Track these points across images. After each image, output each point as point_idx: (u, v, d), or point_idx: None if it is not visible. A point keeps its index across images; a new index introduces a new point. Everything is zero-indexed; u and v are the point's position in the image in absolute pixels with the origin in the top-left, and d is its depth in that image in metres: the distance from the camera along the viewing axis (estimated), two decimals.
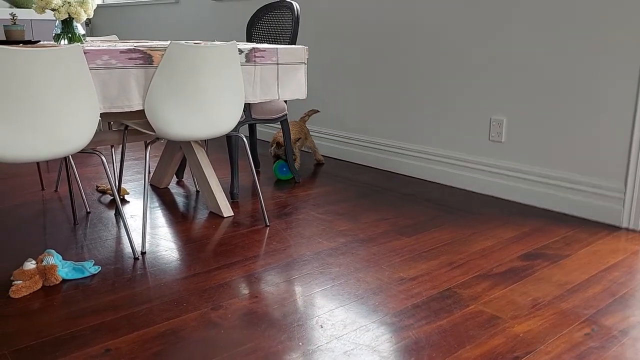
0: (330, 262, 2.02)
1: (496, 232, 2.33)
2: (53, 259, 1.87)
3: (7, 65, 1.61)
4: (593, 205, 2.47)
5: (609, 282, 1.85)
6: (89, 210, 2.59)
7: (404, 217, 2.51)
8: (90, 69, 1.87)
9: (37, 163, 2.85)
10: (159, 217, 2.51)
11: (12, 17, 2.17)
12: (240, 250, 2.13)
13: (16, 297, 1.74)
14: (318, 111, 3.51)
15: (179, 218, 2.50)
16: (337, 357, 1.42)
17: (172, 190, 2.94)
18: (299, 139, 3.29)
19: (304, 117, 3.44)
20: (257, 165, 3.40)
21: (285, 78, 2.42)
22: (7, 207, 2.63)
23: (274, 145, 3.11)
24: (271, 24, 3.13)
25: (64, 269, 1.89)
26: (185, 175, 3.21)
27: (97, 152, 1.99)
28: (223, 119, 2.20)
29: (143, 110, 2.10)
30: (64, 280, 1.87)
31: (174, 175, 3.23)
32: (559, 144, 2.58)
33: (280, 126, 3.14)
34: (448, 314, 1.64)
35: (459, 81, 2.95)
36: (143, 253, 2.10)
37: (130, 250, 2.12)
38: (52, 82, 1.70)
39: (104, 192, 2.87)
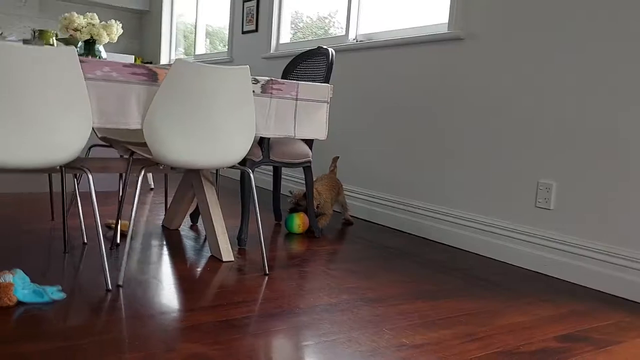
0: (324, 318, 1.71)
1: (533, 308, 1.95)
2: (11, 277, 1.68)
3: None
4: None
5: None
6: (85, 242, 2.43)
7: (425, 283, 2.17)
8: (89, 79, 1.76)
9: (50, 194, 2.75)
10: (155, 255, 2.31)
11: (33, 32, 2.15)
12: (226, 295, 1.86)
13: None
14: (338, 156, 3.30)
15: (175, 258, 2.29)
16: None
17: (182, 233, 2.75)
18: (336, 195, 3.07)
19: (332, 167, 3.22)
20: (278, 218, 3.17)
21: (304, 115, 2.24)
22: (12, 233, 2.52)
23: (299, 197, 2.89)
24: (307, 70, 3.02)
25: (24, 290, 1.69)
26: (201, 221, 3.02)
27: (85, 169, 1.84)
28: (229, 147, 2.02)
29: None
30: (21, 303, 1.66)
31: (189, 218, 3.06)
32: (619, 214, 2.20)
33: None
34: None
35: (502, 140, 2.66)
36: (119, 286, 1.88)
37: (109, 283, 1.90)
38: (37, 83, 1.59)
39: (110, 227, 2.72)
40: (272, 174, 3.11)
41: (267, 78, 2.16)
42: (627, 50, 2.17)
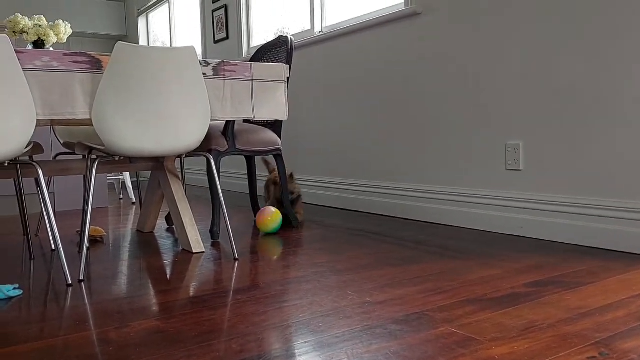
0: (289, 289, 1.66)
1: (504, 264, 1.90)
2: None
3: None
4: (632, 234, 2.00)
5: (639, 307, 1.38)
6: (53, 248, 2.38)
7: (396, 253, 2.12)
8: (28, 70, 1.74)
9: (20, 211, 2.71)
10: (123, 254, 2.26)
11: None
12: (190, 279, 1.82)
13: None
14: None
15: (145, 255, 2.24)
16: None
17: (156, 234, 2.71)
18: (291, 174, 2.86)
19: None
20: (256, 213, 3.12)
21: (261, 96, 2.21)
22: None
23: (272, 186, 2.85)
24: (270, 61, 3.00)
25: None
26: None
27: (34, 164, 1.81)
28: (182, 133, 1.99)
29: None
30: None
31: (165, 222, 3.02)
32: (587, 166, 2.16)
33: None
34: (406, 335, 1.23)
35: (468, 108, 2.63)
36: (80, 280, 1.83)
37: (69, 279, 1.85)
38: None
39: (79, 233, 2.67)
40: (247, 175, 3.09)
41: (218, 60, 2.13)
42: (588, 5, 2.15)
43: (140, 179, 3.60)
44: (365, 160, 3.27)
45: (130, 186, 4.27)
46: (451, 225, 2.70)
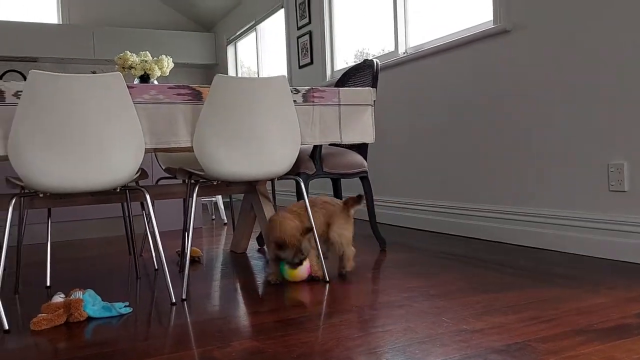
0: (380, 314, 1.66)
1: (610, 292, 1.78)
2: (81, 294, 1.78)
3: (45, 90, 1.66)
4: None
5: None
6: (156, 268, 2.54)
7: (491, 278, 2.06)
8: (137, 103, 1.89)
9: (126, 232, 2.91)
10: (219, 273, 2.36)
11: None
12: (284, 300, 1.86)
13: (35, 329, 1.65)
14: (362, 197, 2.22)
15: (239, 275, 2.33)
16: None
17: (248, 254, 2.80)
18: (309, 230, 2.04)
19: (349, 202, 2.21)
20: None
21: (348, 120, 2.25)
22: (93, 267, 2.69)
23: (273, 243, 2.03)
24: (355, 85, 3.04)
25: (93, 306, 1.79)
26: None
27: (142, 189, 1.95)
28: (275, 157, 2.06)
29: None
30: (90, 318, 1.75)
31: (257, 243, 3.11)
32: None
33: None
34: None
35: (564, 127, 2.52)
36: (183, 300, 1.94)
37: (173, 297, 1.96)
38: (91, 109, 1.72)
39: (179, 254, 2.82)
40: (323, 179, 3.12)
41: (307, 87, 2.20)
42: None
43: (233, 199, 3.78)
44: (454, 181, 3.21)
45: (222, 207, 4.46)
46: (548, 249, 2.58)
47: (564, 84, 2.51)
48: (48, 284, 2.23)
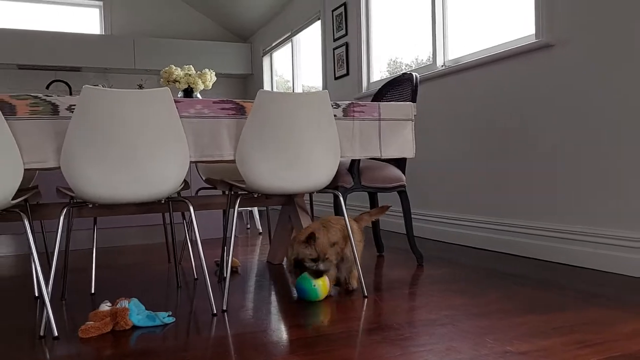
0: (422, 331, 1.65)
1: None
2: (127, 303, 1.83)
3: (97, 105, 1.72)
4: None
5: None
6: (196, 277, 2.58)
7: (537, 299, 2.02)
8: (183, 117, 1.93)
9: (166, 241, 2.97)
10: (257, 285, 2.38)
11: (139, 86, 2.42)
12: (324, 315, 1.87)
13: (83, 336, 1.70)
14: (389, 206, 2.44)
15: (276, 286, 2.35)
16: None
17: (285, 266, 2.82)
18: (335, 243, 2.11)
19: (365, 215, 2.37)
20: (380, 250, 3.14)
21: (388, 135, 2.25)
22: (134, 275, 2.75)
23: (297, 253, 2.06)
24: (393, 98, 3.04)
25: (138, 315, 1.83)
26: None
27: (186, 200, 1.99)
28: (316, 171, 2.08)
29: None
30: (135, 327, 1.80)
31: None
32: None
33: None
34: None
35: (610, 143, 2.46)
36: (224, 311, 1.96)
37: (214, 308, 1.99)
38: (140, 123, 1.78)
39: (218, 264, 2.86)
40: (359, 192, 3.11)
41: (347, 102, 2.21)
42: None
43: (269, 208, 3.82)
44: (497, 197, 3.17)
45: (257, 216, 4.50)
46: (597, 270, 2.52)
47: (611, 101, 2.45)
48: (93, 290, 2.29)
